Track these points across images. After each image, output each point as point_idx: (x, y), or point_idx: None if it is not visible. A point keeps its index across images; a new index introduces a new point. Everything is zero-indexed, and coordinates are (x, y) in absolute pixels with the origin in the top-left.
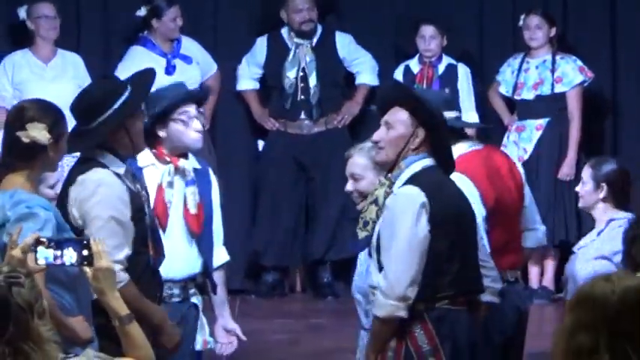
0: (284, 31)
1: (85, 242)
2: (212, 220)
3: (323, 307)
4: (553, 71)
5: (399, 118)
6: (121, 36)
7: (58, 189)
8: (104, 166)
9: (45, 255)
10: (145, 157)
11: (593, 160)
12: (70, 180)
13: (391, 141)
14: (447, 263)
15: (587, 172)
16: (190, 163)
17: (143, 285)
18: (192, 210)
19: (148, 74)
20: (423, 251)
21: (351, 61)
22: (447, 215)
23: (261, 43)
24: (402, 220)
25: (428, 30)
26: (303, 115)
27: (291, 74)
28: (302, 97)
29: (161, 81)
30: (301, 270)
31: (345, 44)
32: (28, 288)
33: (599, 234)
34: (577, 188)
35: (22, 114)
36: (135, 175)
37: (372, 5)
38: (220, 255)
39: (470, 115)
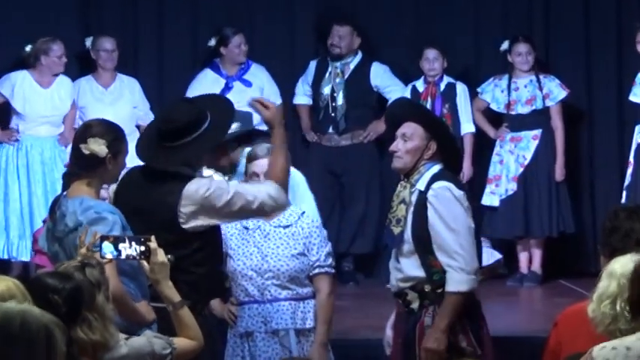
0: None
1: (142, 239)
2: None
3: (346, 291)
4: (541, 89)
5: (415, 132)
6: (172, 62)
7: (111, 190)
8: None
9: (109, 250)
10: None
11: None
12: (170, 191)
13: (409, 151)
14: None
15: None
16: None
17: (215, 283)
18: None
19: (229, 108)
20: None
21: (384, 87)
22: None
23: (312, 65)
24: (454, 209)
25: (431, 53)
26: (331, 130)
27: (325, 91)
28: (332, 113)
29: None
30: None
31: (380, 73)
32: (98, 270)
33: None
34: None
35: (87, 130)
36: None
37: (386, 35)
38: None
39: (467, 126)
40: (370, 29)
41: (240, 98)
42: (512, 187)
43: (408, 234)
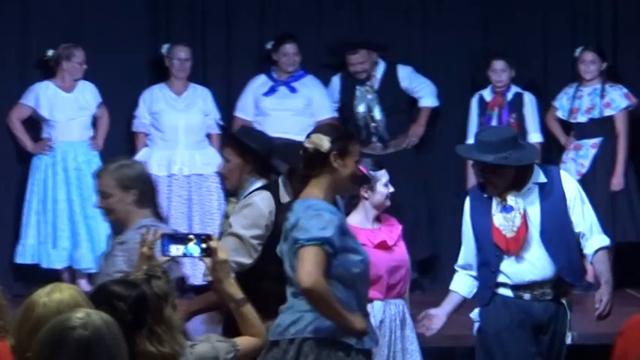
0: None
1: (204, 237)
2: (561, 229)
3: (412, 299)
4: (602, 97)
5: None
6: (240, 71)
7: (390, 188)
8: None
9: (171, 248)
10: None
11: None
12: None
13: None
14: None
15: None
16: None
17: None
18: (509, 234)
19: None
20: None
21: (413, 88)
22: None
23: (335, 81)
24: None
25: (499, 64)
26: (374, 139)
27: (360, 109)
28: (373, 124)
29: (262, 98)
30: None
31: (406, 75)
32: (164, 281)
33: None
34: None
35: (311, 131)
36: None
37: (453, 43)
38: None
39: (534, 136)
40: (435, 38)
41: (281, 103)
42: None
43: None
